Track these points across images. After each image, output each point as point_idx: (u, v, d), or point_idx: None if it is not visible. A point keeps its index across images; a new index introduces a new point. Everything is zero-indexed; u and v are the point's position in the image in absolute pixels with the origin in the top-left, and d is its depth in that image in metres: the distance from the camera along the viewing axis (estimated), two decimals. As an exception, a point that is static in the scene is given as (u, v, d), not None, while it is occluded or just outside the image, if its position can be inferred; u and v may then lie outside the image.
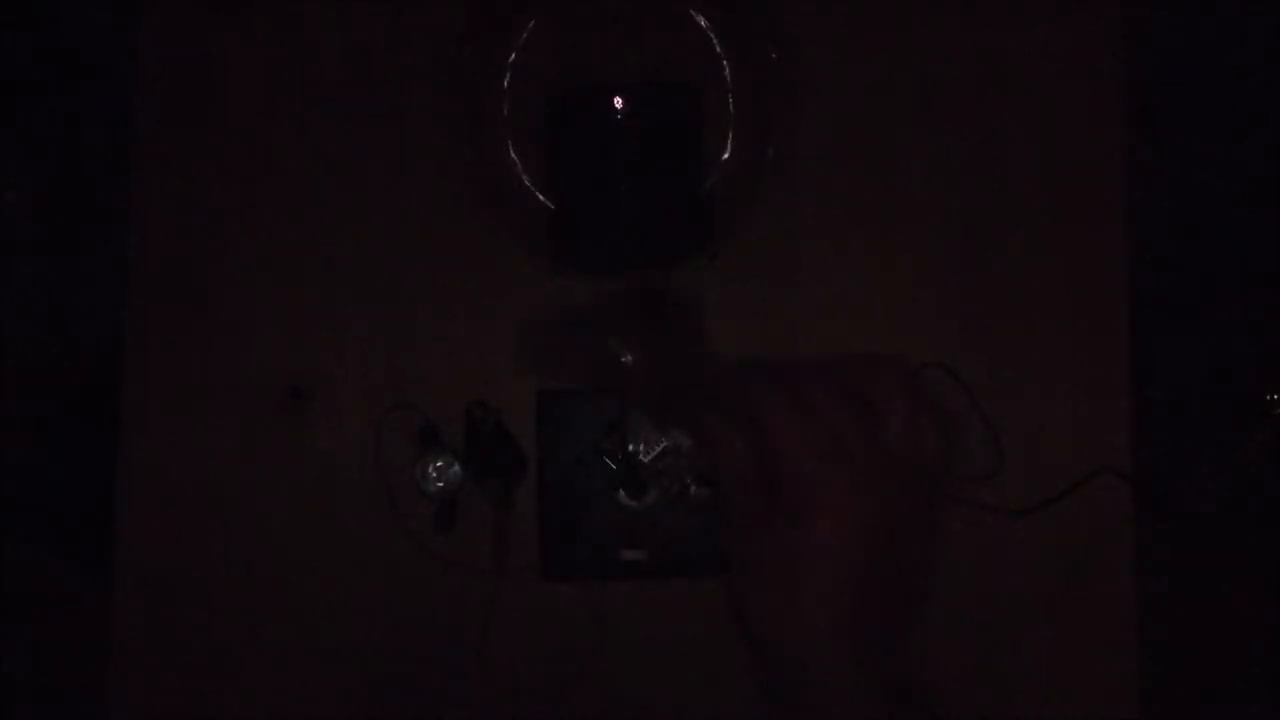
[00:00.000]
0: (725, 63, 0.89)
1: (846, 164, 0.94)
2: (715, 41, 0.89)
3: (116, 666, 0.94)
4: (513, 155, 0.88)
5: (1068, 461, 0.91)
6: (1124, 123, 0.94)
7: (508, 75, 0.89)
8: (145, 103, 0.98)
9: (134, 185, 0.97)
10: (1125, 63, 0.94)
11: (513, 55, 0.88)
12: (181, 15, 0.98)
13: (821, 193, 0.94)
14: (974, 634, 0.92)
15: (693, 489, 0.92)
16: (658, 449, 0.92)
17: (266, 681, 0.94)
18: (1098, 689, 0.91)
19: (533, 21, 0.91)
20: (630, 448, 0.92)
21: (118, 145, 0.98)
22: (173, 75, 0.98)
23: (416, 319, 0.95)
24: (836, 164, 0.94)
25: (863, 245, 0.94)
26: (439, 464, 0.90)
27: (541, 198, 0.89)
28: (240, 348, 0.95)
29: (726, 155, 0.90)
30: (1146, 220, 0.93)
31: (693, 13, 0.90)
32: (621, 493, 0.92)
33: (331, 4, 0.96)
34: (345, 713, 0.94)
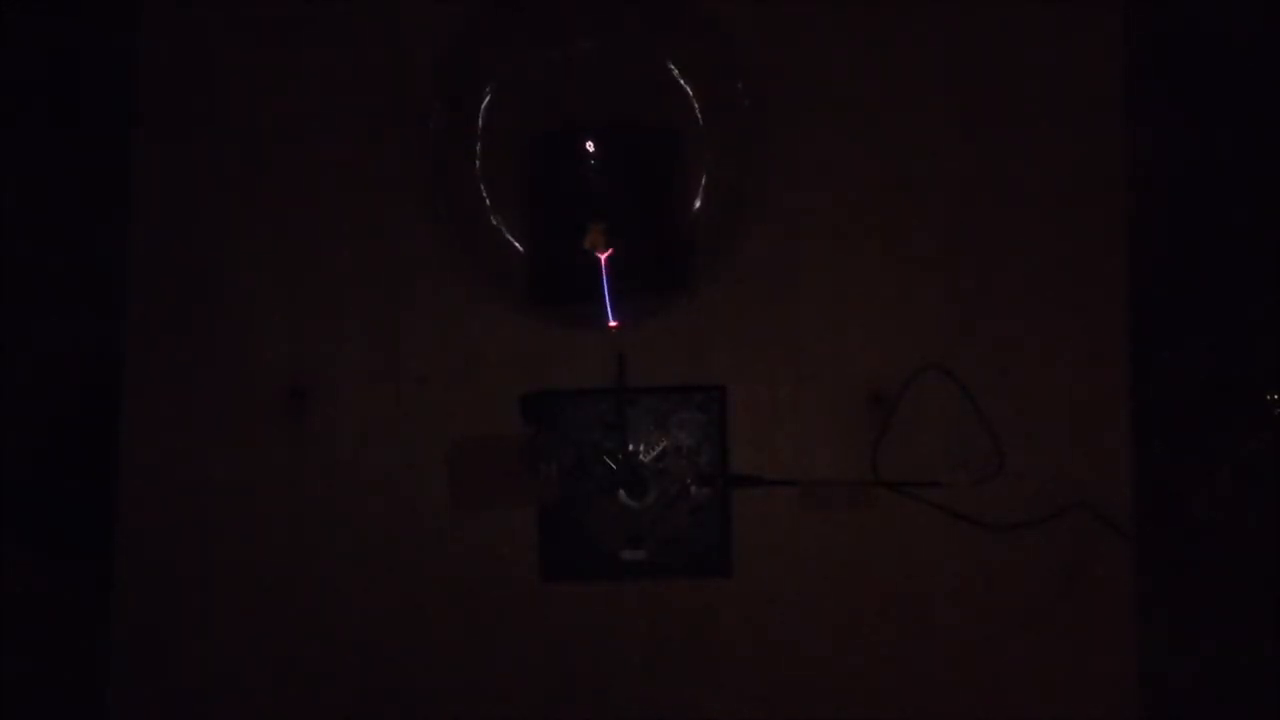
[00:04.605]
0: (696, 104, 0.89)
1: (849, 169, 0.94)
2: (686, 84, 0.90)
3: (116, 666, 0.95)
4: (484, 196, 0.89)
5: (1067, 463, 0.91)
6: (1124, 122, 0.94)
7: (480, 120, 0.90)
8: (145, 103, 0.98)
9: (134, 185, 0.97)
10: (1125, 62, 0.94)
11: (486, 99, 0.89)
12: (181, 17, 0.98)
13: (824, 198, 0.94)
14: (975, 636, 0.92)
15: (693, 489, 0.92)
16: (658, 449, 0.92)
17: (266, 681, 0.94)
18: (1098, 689, 0.91)
19: (508, 67, 0.92)
20: (630, 448, 0.92)
21: (118, 145, 0.98)
22: (173, 75, 0.98)
23: (416, 320, 0.95)
24: (838, 169, 0.94)
25: (864, 249, 0.94)
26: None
27: (510, 238, 0.90)
28: (240, 348, 0.95)
29: (700, 197, 0.91)
30: (1146, 220, 0.93)
31: (665, 62, 0.90)
32: (621, 493, 0.92)
33: (327, 14, 0.97)
34: (345, 713, 0.94)
